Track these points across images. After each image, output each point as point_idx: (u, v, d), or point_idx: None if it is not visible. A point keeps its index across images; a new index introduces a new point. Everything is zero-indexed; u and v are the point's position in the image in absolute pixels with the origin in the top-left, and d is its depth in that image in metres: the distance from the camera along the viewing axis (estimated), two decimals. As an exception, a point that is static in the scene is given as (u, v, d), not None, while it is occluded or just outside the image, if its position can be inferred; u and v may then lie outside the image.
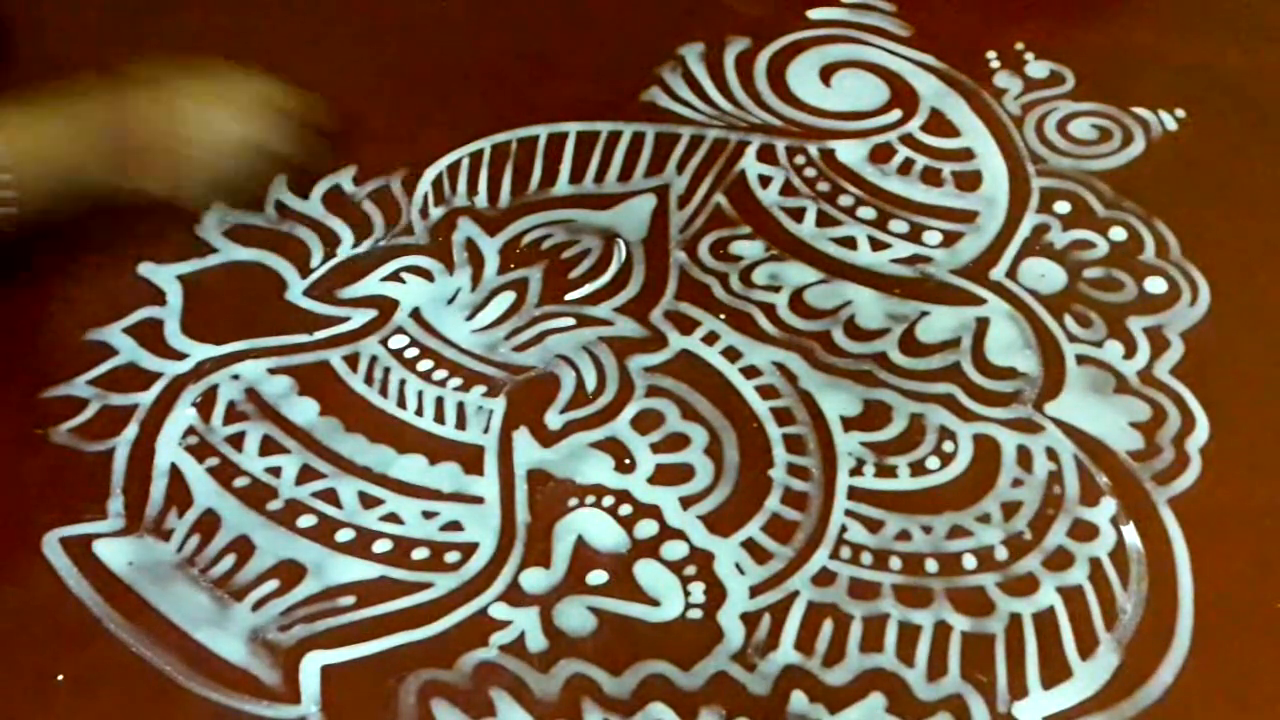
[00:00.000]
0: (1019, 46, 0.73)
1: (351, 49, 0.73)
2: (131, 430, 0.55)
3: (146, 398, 0.56)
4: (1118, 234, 0.64)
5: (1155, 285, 0.62)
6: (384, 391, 0.58)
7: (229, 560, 0.51)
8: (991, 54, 0.73)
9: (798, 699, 0.49)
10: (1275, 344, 0.60)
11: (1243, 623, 0.51)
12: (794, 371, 0.59)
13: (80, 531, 0.52)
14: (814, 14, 0.76)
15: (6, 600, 0.50)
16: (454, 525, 0.53)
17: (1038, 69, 0.72)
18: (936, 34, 0.74)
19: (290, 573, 0.51)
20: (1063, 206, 0.66)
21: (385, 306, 0.61)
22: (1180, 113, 0.70)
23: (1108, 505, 0.54)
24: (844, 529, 0.54)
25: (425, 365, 0.59)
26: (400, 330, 0.60)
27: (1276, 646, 0.51)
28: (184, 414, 0.56)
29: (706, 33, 0.74)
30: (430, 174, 0.67)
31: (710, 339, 0.60)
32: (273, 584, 0.51)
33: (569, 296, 0.62)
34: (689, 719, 0.48)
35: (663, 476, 0.55)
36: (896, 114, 0.70)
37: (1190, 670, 0.50)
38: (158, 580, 0.50)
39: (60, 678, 0.47)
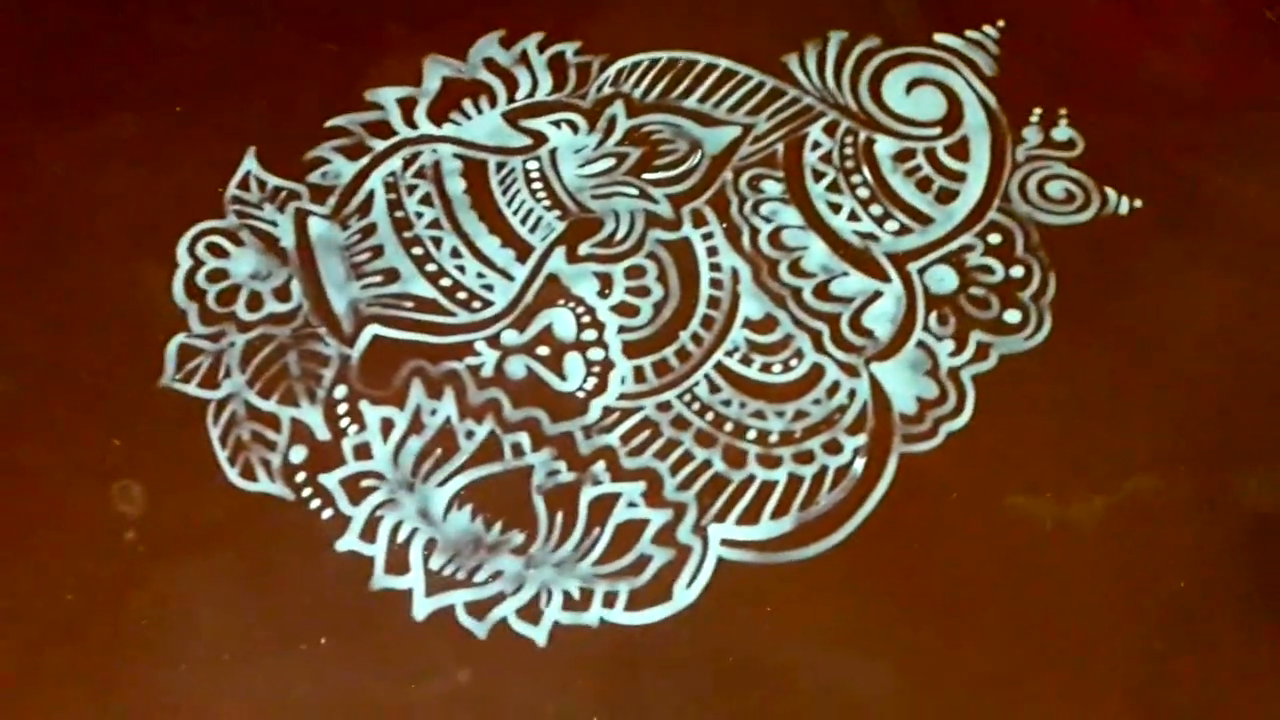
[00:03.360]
0: (1062, 111, 0.85)
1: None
2: (363, 161, 0.87)
3: (381, 145, 0.88)
4: (1017, 271, 0.79)
5: (1011, 316, 0.77)
6: (505, 191, 0.86)
7: (366, 255, 0.83)
8: (1038, 110, 0.86)
9: (600, 466, 0.74)
10: (1060, 398, 0.74)
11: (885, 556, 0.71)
12: (740, 277, 0.81)
13: (305, 207, 0.84)
14: (939, 37, 0.90)
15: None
16: (489, 287, 0.81)
17: (1062, 133, 0.84)
18: (1010, 81, 0.87)
19: (390, 275, 0.81)
20: (995, 238, 0.81)
21: (539, 139, 0.88)
22: (1139, 202, 0.81)
23: (860, 439, 0.74)
24: (696, 383, 0.77)
25: (537, 185, 0.86)
26: (537, 157, 0.87)
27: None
28: (393, 162, 0.87)
29: (856, 24, 0.91)
30: (620, 63, 0.91)
31: (707, 236, 0.83)
32: (379, 277, 0.82)
33: (645, 175, 0.86)
34: (538, 446, 0.75)
35: (620, 308, 0.80)
36: (937, 130, 0.86)
37: (834, 554, 0.71)
38: (328, 250, 0.83)
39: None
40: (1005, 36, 0.89)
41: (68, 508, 0.76)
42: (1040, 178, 0.83)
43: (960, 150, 0.85)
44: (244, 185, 0.86)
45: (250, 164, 0.86)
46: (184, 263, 0.83)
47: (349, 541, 0.73)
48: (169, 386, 0.78)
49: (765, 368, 0.77)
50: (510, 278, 0.81)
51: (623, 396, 0.77)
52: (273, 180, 0.85)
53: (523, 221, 0.84)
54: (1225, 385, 0.74)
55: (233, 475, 0.75)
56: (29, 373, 0.80)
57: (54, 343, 0.81)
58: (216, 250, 0.83)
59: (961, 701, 0.66)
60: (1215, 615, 0.67)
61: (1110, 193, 0.82)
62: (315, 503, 0.74)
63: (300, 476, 0.75)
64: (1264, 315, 0.76)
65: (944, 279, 0.79)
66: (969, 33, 0.89)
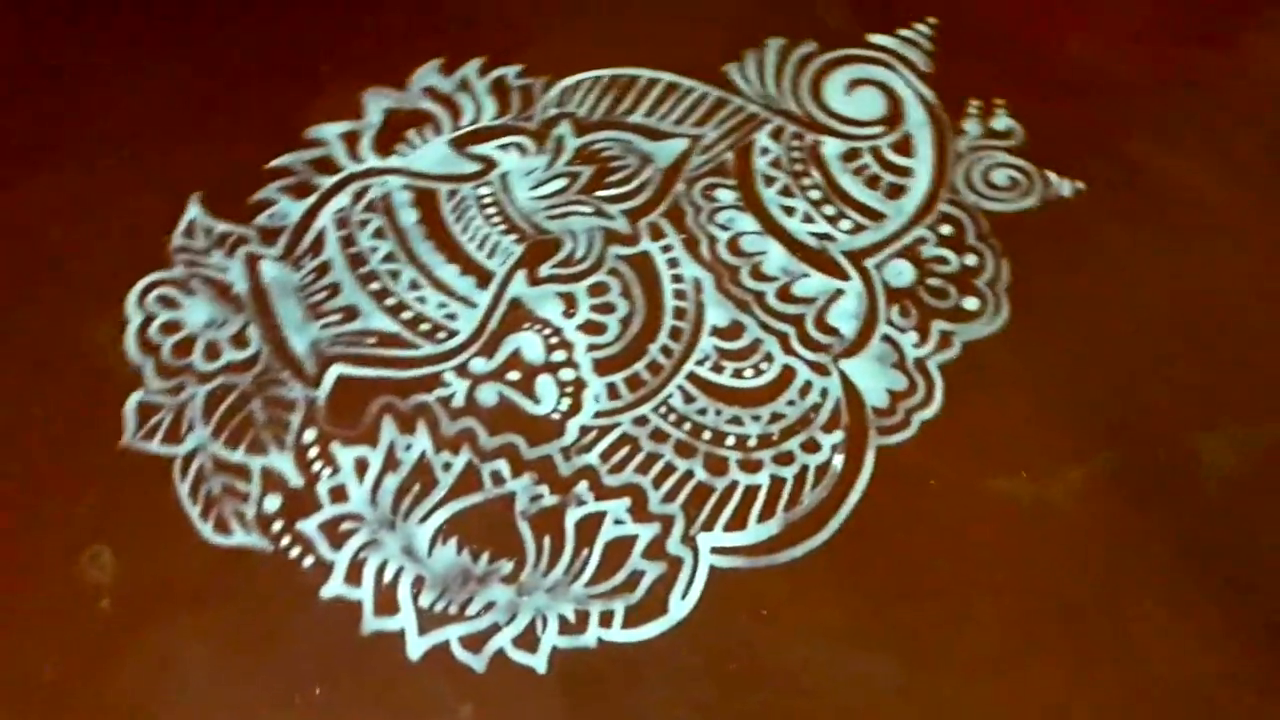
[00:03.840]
0: (999, 101, 0.87)
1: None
2: (311, 199, 0.85)
3: (328, 181, 0.86)
4: (970, 259, 0.80)
5: (970, 303, 0.79)
6: (459, 219, 0.85)
7: (323, 294, 0.81)
8: (976, 102, 0.87)
9: (582, 486, 0.74)
10: (1025, 379, 0.76)
11: (873, 548, 0.71)
12: (703, 286, 0.81)
13: (255, 250, 0.83)
14: (873, 38, 0.92)
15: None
16: (452, 316, 0.80)
17: (1001, 122, 0.86)
18: (947, 76, 0.89)
19: (350, 312, 0.80)
20: (946, 229, 0.82)
21: (489, 164, 0.87)
22: (1081, 184, 0.83)
23: (837, 436, 0.75)
24: (670, 395, 0.77)
25: (491, 210, 0.85)
26: (489, 182, 0.86)
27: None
28: (342, 198, 0.85)
29: (792, 31, 0.92)
30: (563, 83, 0.91)
31: (666, 249, 0.83)
32: (338, 316, 0.80)
33: (598, 193, 0.86)
34: (518, 471, 0.74)
35: (587, 326, 0.80)
36: (880, 129, 0.87)
37: (823, 552, 0.71)
38: (283, 292, 0.81)
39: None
40: (938, 32, 0.90)
41: (37, 581, 0.73)
42: (984, 167, 0.84)
43: (904, 146, 0.86)
44: (190, 233, 0.84)
45: (194, 211, 0.84)
46: (135, 317, 0.81)
47: (334, 587, 0.71)
48: (131, 446, 0.76)
49: (737, 373, 0.77)
50: (473, 305, 0.80)
51: (598, 414, 0.76)
52: (219, 226, 0.84)
53: (480, 248, 0.83)
54: (1180, 353, 0.76)
55: (206, 531, 0.73)
56: (-18, 444, 0.77)
57: (5, 411, 0.78)
58: (168, 302, 0.81)
59: (962, 685, 0.67)
60: (1199, 577, 0.69)
61: (1052, 177, 0.83)
62: (295, 551, 0.73)
63: (277, 526, 0.73)
64: (1209, 284, 0.78)
65: (902, 272, 0.80)
66: (902, 31, 0.90)
